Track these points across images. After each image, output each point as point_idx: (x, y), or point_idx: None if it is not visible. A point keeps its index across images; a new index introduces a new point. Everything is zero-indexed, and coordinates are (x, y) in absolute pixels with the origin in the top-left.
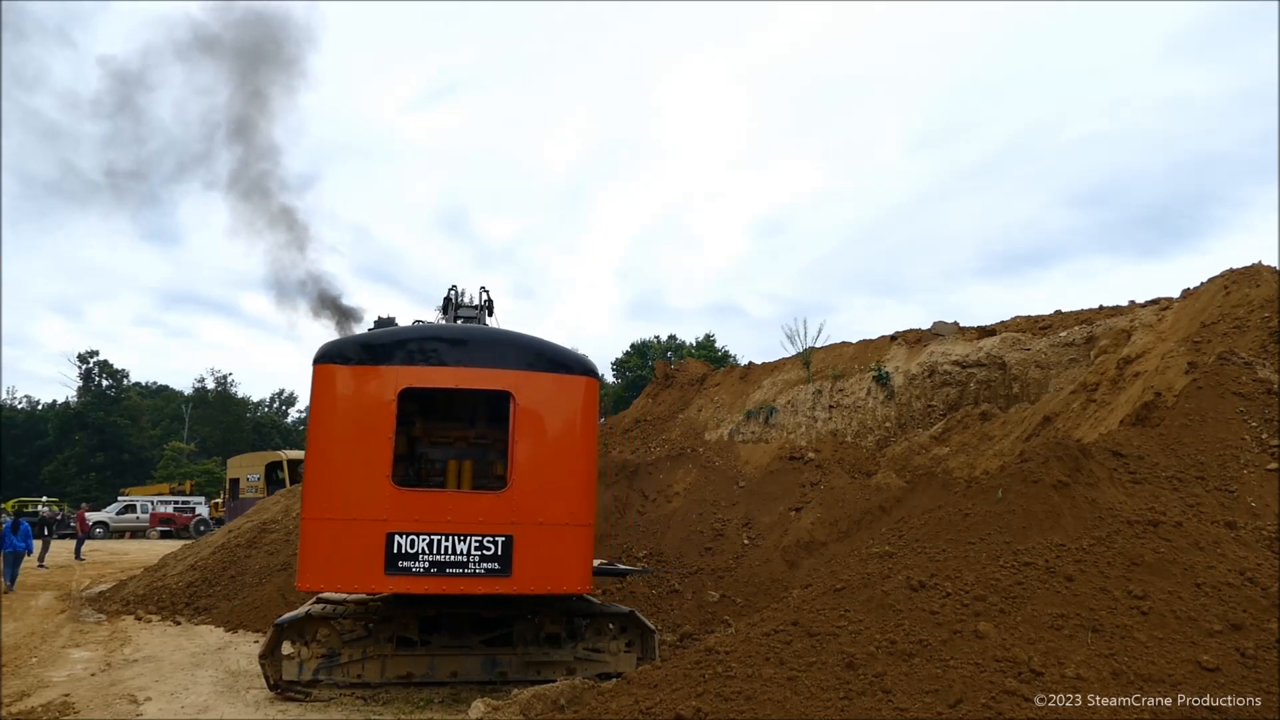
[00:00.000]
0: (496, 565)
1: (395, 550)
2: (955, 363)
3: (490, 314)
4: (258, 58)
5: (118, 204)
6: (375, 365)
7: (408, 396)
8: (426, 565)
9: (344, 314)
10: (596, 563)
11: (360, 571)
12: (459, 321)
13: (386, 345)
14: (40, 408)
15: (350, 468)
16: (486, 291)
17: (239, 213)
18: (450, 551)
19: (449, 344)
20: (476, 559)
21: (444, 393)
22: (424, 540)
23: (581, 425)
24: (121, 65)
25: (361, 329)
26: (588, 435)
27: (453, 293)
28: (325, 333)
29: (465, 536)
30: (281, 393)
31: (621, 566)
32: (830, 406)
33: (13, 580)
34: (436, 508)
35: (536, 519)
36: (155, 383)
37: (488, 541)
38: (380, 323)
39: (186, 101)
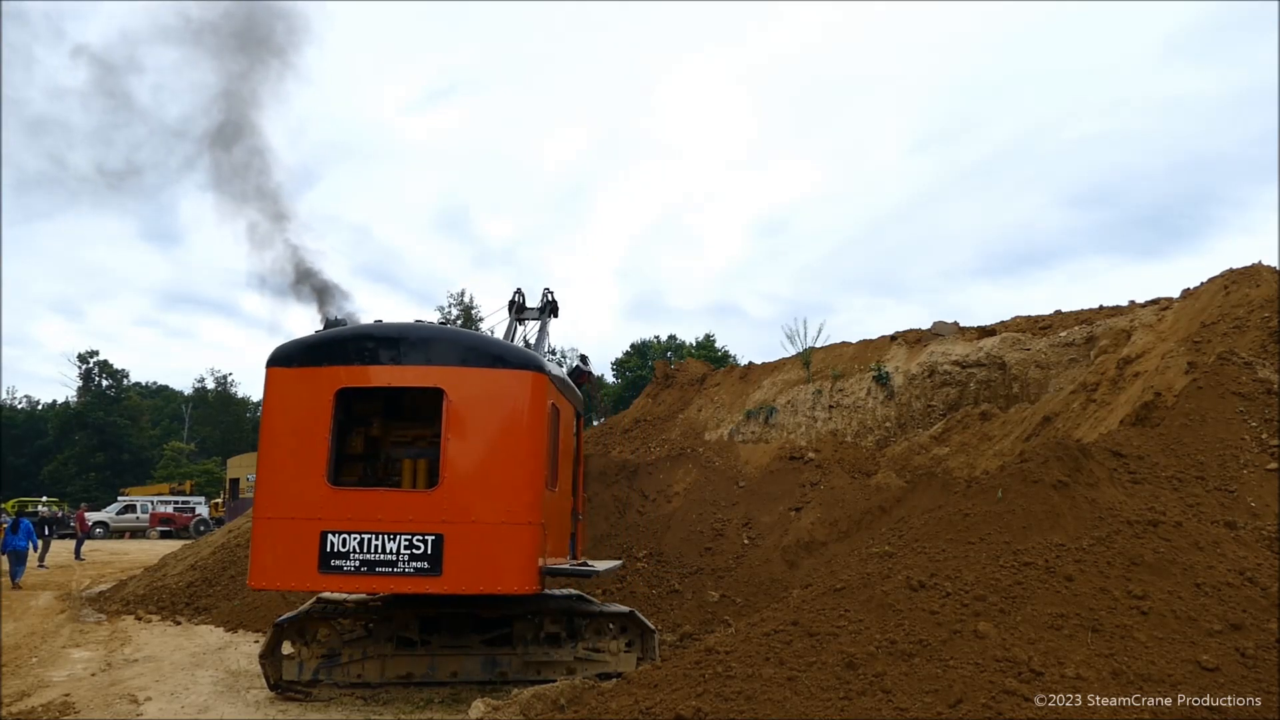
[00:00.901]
0: (426, 564)
1: (328, 549)
2: (955, 363)
3: (555, 315)
4: (244, 39)
5: (112, 197)
6: (315, 367)
7: (365, 396)
8: (357, 564)
9: (322, 289)
10: (565, 564)
11: (298, 569)
12: (521, 324)
13: (325, 346)
14: (40, 408)
15: (291, 468)
16: (550, 293)
17: (219, 188)
18: (380, 550)
19: (383, 343)
20: (406, 558)
21: (404, 392)
22: (355, 539)
23: (527, 421)
24: (99, 54)
25: (339, 305)
26: (534, 431)
27: (518, 296)
28: (305, 314)
29: (395, 535)
30: None
31: (591, 567)
32: (830, 406)
33: (17, 577)
34: (368, 506)
35: (468, 517)
36: (155, 383)
37: (417, 540)
38: (329, 324)
39: (169, 86)
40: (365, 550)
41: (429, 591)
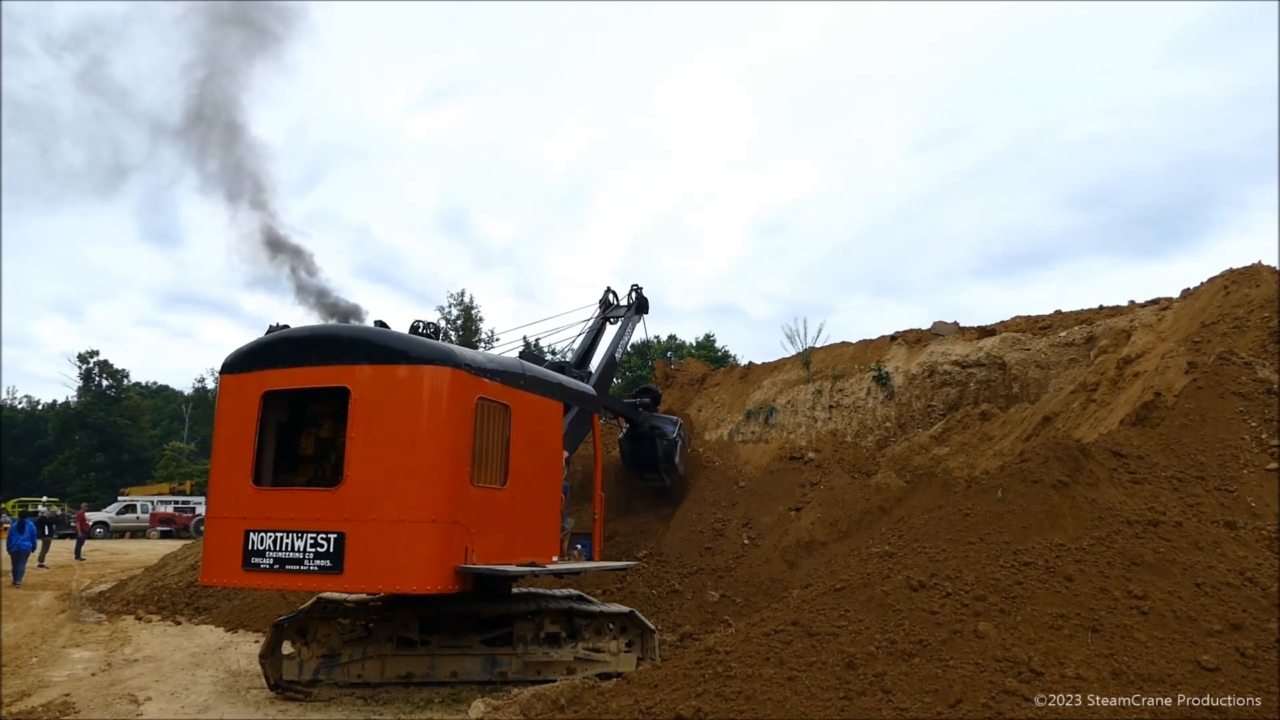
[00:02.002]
0: (328, 562)
1: (250, 547)
2: (955, 363)
3: (644, 311)
4: (232, 24)
5: (108, 192)
6: (249, 372)
7: (323, 397)
8: (271, 562)
9: (295, 254)
10: (514, 566)
11: (228, 567)
12: (612, 322)
13: (256, 352)
14: (40, 408)
15: (225, 469)
16: (638, 290)
17: (198, 164)
18: (290, 549)
19: (300, 345)
20: (310, 556)
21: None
22: (270, 538)
23: (442, 416)
24: (72, 38)
25: (306, 281)
26: (447, 427)
27: (611, 295)
28: (286, 292)
29: (301, 534)
30: None
31: (541, 565)
32: (830, 406)
33: (19, 576)
34: (282, 506)
35: (370, 515)
36: (155, 383)
37: (320, 539)
38: (273, 329)
39: (151, 73)
40: (278, 548)
41: (332, 590)
